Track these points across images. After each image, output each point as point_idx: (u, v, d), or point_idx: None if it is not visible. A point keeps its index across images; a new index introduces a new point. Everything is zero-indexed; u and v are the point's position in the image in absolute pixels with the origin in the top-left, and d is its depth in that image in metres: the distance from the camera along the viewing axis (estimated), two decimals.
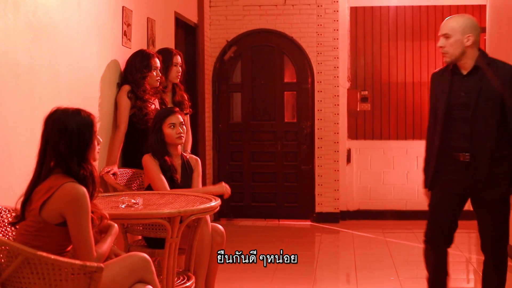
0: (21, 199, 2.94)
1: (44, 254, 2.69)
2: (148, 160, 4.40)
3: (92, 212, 2.97)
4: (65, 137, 2.89)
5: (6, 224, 3.07)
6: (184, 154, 4.65)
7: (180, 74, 5.33)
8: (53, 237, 2.86)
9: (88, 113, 3.00)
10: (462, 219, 8.13)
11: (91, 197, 2.94)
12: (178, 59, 5.31)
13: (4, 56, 3.42)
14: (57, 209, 2.83)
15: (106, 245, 3.02)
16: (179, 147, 4.54)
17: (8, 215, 3.09)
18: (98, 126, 3.06)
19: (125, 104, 4.80)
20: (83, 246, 2.85)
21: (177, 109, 4.59)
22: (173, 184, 4.40)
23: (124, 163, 4.97)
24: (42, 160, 2.94)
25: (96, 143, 3.01)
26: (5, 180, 3.41)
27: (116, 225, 3.16)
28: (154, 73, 4.90)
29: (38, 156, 2.96)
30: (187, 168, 4.54)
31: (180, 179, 4.46)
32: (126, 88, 4.82)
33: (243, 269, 5.82)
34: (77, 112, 2.96)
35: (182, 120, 4.50)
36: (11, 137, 3.49)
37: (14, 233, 3.04)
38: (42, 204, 2.84)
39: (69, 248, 2.96)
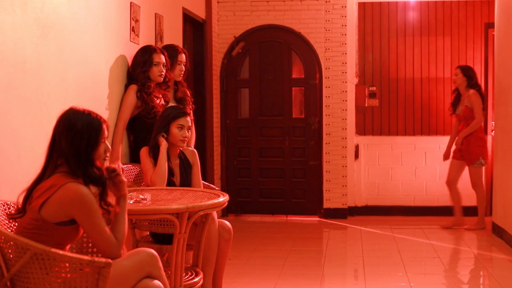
0: (24, 194, 2.94)
1: (53, 249, 2.69)
2: (143, 155, 4.40)
3: (107, 207, 2.99)
4: (69, 136, 2.88)
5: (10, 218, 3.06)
6: (180, 148, 4.56)
7: (183, 72, 5.30)
8: (51, 235, 2.85)
9: (99, 117, 2.96)
10: (470, 215, 8.12)
11: (101, 197, 2.95)
12: (183, 57, 5.28)
13: (12, 52, 3.43)
14: (61, 209, 2.83)
15: (121, 225, 3.01)
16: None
17: (13, 210, 3.08)
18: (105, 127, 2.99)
19: (130, 102, 4.79)
20: (101, 240, 2.89)
21: (190, 111, 4.57)
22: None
23: (133, 159, 4.97)
24: (49, 157, 2.94)
25: (101, 148, 2.96)
26: (13, 176, 3.42)
27: (125, 193, 3.07)
28: (155, 69, 4.87)
29: (46, 152, 2.96)
30: (185, 166, 4.51)
31: (180, 179, 4.46)
32: (134, 87, 4.82)
33: (250, 264, 5.83)
34: (87, 114, 2.94)
35: (191, 125, 4.49)
36: (19, 134, 3.50)
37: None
38: (42, 203, 2.83)
39: (67, 248, 2.97)
